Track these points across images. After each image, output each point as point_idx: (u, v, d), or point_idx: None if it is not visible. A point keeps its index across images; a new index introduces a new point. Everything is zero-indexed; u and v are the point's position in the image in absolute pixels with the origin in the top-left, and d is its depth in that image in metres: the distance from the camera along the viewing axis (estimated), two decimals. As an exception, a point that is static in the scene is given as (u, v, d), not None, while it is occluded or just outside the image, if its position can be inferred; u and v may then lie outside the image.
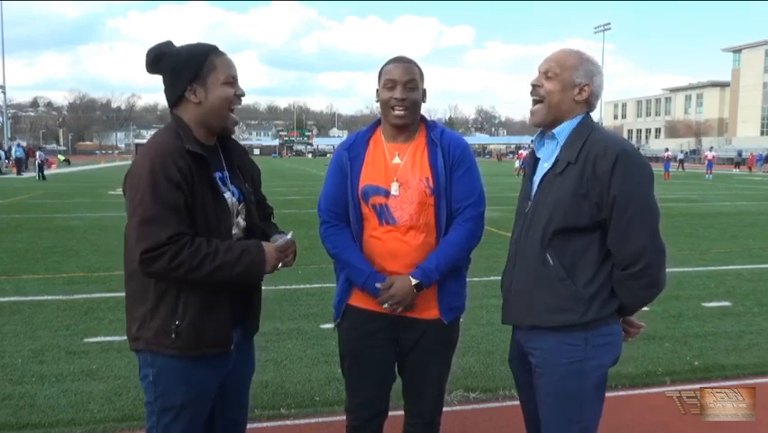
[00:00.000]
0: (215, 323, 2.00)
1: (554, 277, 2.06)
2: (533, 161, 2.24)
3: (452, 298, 2.39)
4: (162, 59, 2.01)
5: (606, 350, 2.10)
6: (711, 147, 48.72)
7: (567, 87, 2.09)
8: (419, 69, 2.36)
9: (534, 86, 2.14)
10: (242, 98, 2.09)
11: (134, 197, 1.90)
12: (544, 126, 2.16)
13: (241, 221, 2.13)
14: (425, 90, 2.39)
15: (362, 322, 2.37)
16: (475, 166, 2.38)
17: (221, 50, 2.06)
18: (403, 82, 2.28)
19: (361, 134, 2.45)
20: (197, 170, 1.95)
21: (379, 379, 2.44)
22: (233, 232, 2.08)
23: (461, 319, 2.48)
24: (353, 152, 2.39)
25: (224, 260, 1.92)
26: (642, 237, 1.98)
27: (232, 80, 2.04)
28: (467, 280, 2.46)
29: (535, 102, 2.15)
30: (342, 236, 2.38)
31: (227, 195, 2.07)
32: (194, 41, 2.08)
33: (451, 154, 2.33)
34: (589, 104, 2.14)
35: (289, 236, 2.13)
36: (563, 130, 2.10)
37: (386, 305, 2.28)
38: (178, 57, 2.01)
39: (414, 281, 2.26)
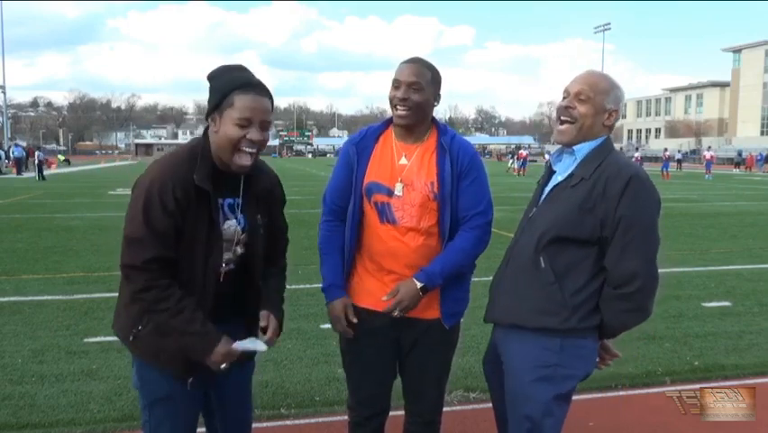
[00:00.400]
0: (168, 350, 1.98)
1: (543, 280, 2.08)
2: (548, 173, 2.28)
3: (454, 304, 2.40)
4: (211, 80, 2.02)
5: (579, 362, 2.12)
6: (710, 147, 48.54)
7: (599, 112, 2.13)
8: (432, 72, 2.33)
9: (567, 107, 2.15)
10: (257, 144, 1.97)
11: (130, 209, 1.94)
12: (569, 145, 2.18)
13: (239, 249, 2.11)
14: (438, 94, 2.37)
15: (362, 321, 2.37)
16: (484, 175, 2.38)
17: (256, 90, 1.97)
18: (407, 83, 2.28)
19: (372, 130, 2.44)
20: (198, 199, 1.94)
21: (379, 378, 2.45)
22: (227, 257, 2.06)
23: (461, 320, 2.48)
24: (361, 146, 2.39)
25: (178, 325, 1.92)
26: (639, 259, 2.01)
27: (245, 123, 1.94)
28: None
29: (564, 122, 2.16)
30: (335, 237, 2.41)
31: (230, 222, 2.06)
32: (247, 71, 2.02)
33: (459, 162, 2.32)
34: (611, 127, 2.18)
35: (261, 349, 2.04)
36: (583, 148, 2.14)
37: (396, 312, 2.28)
38: (214, 82, 2.00)
39: (419, 284, 2.26)
